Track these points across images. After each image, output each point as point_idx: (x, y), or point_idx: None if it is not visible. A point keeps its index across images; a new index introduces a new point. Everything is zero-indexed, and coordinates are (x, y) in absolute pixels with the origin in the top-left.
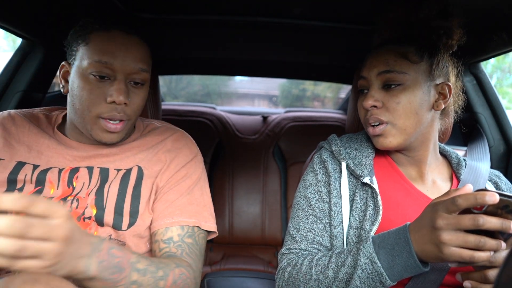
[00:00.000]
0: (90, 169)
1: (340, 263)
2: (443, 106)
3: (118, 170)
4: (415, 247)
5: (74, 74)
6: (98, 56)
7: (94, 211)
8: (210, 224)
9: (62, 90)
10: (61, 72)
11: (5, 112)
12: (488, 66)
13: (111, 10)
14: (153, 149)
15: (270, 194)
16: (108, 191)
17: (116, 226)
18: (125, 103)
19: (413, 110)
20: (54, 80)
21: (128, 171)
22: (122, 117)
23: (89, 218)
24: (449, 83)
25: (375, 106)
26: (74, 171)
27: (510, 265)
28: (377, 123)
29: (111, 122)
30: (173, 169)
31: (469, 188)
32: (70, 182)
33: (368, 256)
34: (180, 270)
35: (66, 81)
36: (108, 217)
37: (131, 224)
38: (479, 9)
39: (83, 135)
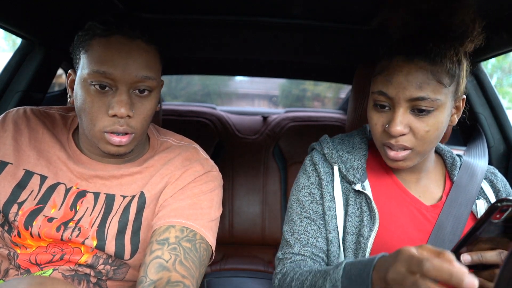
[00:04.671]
0: (96, 195)
1: (313, 283)
2: (456, 120)
3: (124, 197)
4: (374, 284)
5: (77, 84)
6: (96, 66)
7: (95, 243)
8: (210, 238)
9: (68, 100)
10: (68, 80)
11: (21, 110)
12: (489, 66)
13: (111, 10)
14: (162, 170)
15: (270, 194)
16: (109, 223)
17: (119, 255)
18: (128, 116)
19: (438, 134)
20: (54, 80)
21: (132, 198)
22: (126, 130)
23: (90, 247)
24: (464, 97)
25: (403, 134)
26: (81, 195)
27: (510, 265)
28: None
29: (114, 135)
30: (180, 184)
31: (449, 257)
32: (73, 206)
33: (333, 283)
34: None
35: (73, 91)
36: (110, 248)
37: (133, 252)
38: (479, 9)
39: (94, 145)
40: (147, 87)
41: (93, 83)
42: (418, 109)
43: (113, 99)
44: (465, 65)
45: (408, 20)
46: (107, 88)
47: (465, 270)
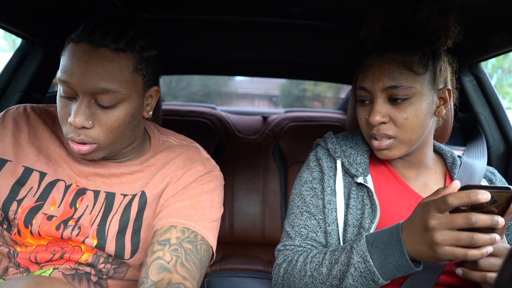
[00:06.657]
0: (96, 193)
1: (334, 261)
2: (444, 112)
3: (124, 196)
4: (407, 247)
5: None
6: (60, 73)
7: (95, 242)
8: (211, 239)
9: None
10: None
11: (21, 107)
12: (489, 66)
13: (111, 10)
14: (163, 169)
15: (270, 194)
16: (110, 222)
17: (119, 255)
18: (85, 126)
19: (420, 123)
20: (54, 80)
21: (132, 197)
22: (83, 140)
23: (90, 246)
24: (449, 87)
25: (383, 123)
26: (81, 192)
27: (510, 265)
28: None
29: (74, 143)
30: (181, 184)
31: (456, 185)
32: (73, 203)
33: (361, 255)
34: None
35: None
36: (110, 247)
37: (133, 252)
38: (479, 8)
39: None
40: (108, 102)
41: (59, 91)
42: (395, 98)
43: (74, 107)
44: (444, 58)
45: (385, 25)
46: (71, 98)
47: (476, 190)
